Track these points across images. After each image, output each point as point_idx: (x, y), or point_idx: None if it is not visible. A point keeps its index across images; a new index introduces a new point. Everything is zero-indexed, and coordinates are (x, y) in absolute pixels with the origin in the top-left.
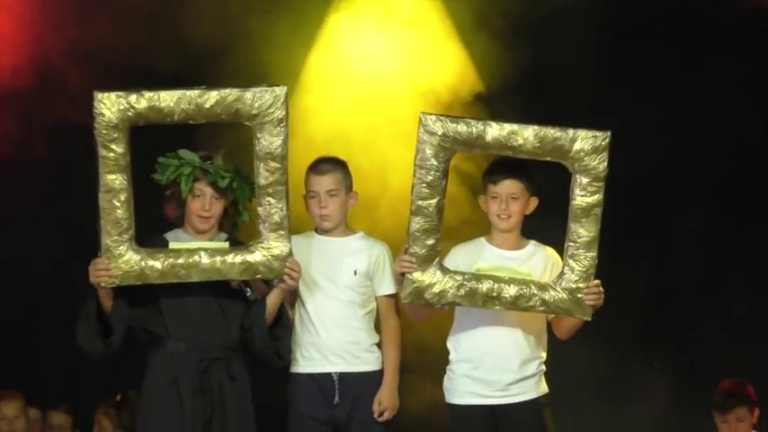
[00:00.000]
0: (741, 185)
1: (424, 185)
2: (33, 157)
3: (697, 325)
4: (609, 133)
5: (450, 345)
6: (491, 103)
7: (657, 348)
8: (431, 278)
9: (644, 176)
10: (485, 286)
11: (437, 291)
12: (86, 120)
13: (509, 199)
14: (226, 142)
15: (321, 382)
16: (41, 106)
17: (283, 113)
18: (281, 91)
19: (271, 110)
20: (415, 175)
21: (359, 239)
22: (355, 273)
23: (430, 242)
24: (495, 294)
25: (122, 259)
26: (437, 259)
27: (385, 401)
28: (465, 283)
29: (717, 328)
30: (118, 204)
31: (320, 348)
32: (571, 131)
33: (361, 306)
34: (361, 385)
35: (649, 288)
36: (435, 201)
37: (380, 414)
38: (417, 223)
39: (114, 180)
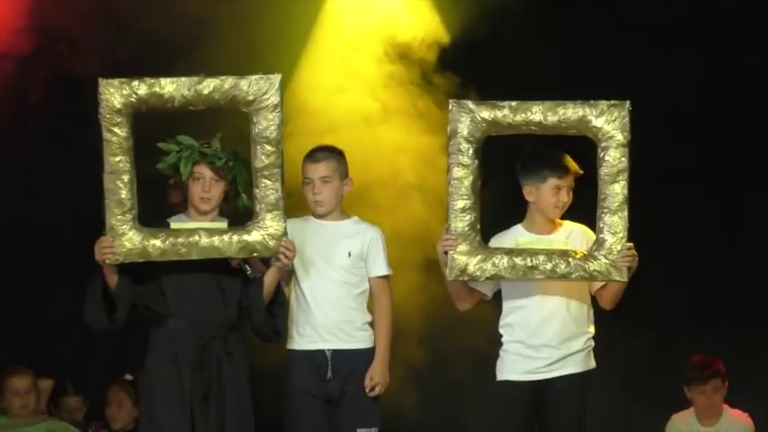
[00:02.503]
0: (714, 168)
1: (458, 167)
2: (28, 107)
3: (670, 304)
4: (628, 102)
5: (501, 330)
6: (455, 59)
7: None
8: (472, 253)
9: None
10: (524, 257)
11: (479, 265)
12: (85, 69)
13: (569, 191)
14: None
15: (315, 358)
16: (39, 55)
17: (278, 99)
18: (275, 78)
19: (266, 96)
20: (449, 158)
21: (353, 223)
22: (349, 254)
23: (468, 219)
24: (534, 264)
25: (126, 237)
26: (478, 237)
27: (376, 377)
28: (505, 256)
29: (689, 306)
30: (121, 185)
31: (315, 326)
32: (593, 103)
33: (354, 286)
34: (353, 362)
35: None
36: (470, 180)
37: (372, 389)
38: (455, 202)
39: (118, 162)
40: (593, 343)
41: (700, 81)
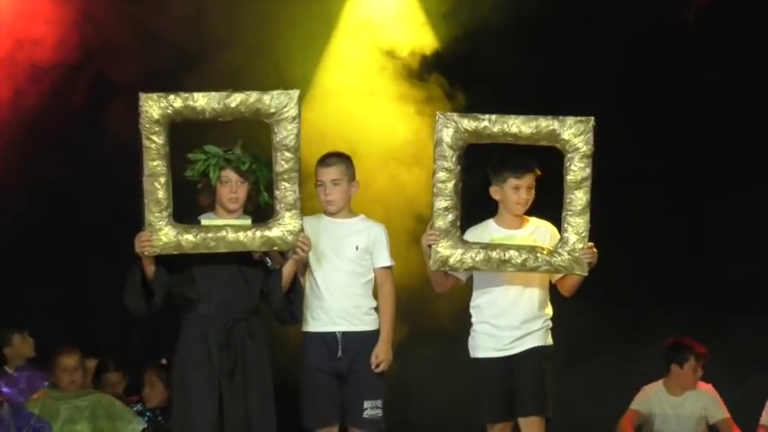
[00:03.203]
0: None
1: (442, 171)
2: (71, 108)
3: (642, 291)
4: (593, 118)
5: (471, 310)
6: (443, 64)
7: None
8: (453, 247)
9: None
10: (498, 252)
11: (459, 258)
12: (124, 78)
13: (529, 189)
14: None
15: (327, 339)
16: (83, 61)
17: (296, 112)
18: (294, 94)
19: (286, 109)
20: (435, 163)
21: (360, 221)
22: (357, 248)
23: (450, 217)
24: (506, 258)
25: (162, 232)
26: (458, 233)
27: (381, 355)
28: (481, 250)
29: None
30: (159, 186)
31: (327, 311)
32: (562, 118)
33: (361, 276)
34: (361, 342)
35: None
36: (453, 183)
37: (377, 366)
38: (439, 202)
39: (156, 166)
40: (550, 323)
41: (661, 93)
